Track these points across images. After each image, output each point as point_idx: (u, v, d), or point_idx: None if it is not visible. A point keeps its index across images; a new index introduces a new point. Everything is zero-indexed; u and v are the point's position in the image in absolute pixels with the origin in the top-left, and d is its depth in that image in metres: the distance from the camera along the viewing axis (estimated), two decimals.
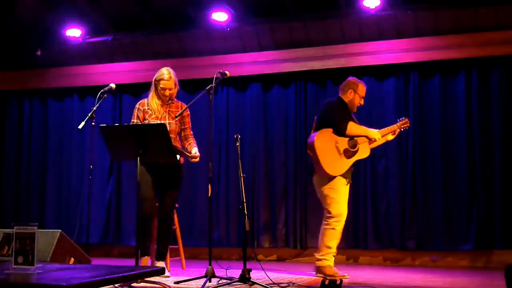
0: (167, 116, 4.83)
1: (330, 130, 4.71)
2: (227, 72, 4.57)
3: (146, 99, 4.86)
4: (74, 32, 7.05)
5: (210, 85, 4.46)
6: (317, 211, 6.55)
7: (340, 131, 4.71)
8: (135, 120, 4.78)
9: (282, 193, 6.69)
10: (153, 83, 4.84)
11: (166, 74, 4.82)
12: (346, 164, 4.73)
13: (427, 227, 6.18)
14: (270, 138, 6.81)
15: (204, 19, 6.65)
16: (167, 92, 4.80)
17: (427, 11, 6.18)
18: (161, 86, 4.78)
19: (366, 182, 6.38)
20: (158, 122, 4.73)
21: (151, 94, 4.84)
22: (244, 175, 4.35)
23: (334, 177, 4.71)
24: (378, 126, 6.42)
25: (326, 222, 4.86)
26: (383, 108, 6.48)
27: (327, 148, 4.68)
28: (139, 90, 7.30)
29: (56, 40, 7.23)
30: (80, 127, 4.69)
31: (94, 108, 4.68)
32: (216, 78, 4.50)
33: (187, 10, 6.67)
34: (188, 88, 7.08)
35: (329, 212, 4.82)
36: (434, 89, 6.34)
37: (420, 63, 6.33)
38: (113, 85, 4.86)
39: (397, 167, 6.33)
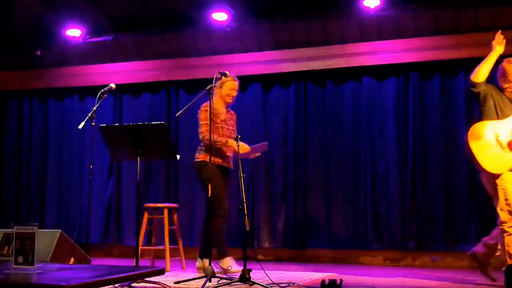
0: (230, 123, 5.06)
1: (488, 121, 4.24)
2: (227, 72, 4.59)
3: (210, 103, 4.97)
4: (74, 32, 7.05)
5: (210, 85, 4.48)
6: (317, 211, 6.58)
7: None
8: (208, 122, 4.80)
9: (282, 193, 6.68)
10: (218, 87, 5.00)
11: (234, 77, 5.05)
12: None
13: (427, 227, 6.18)
14: (270, 138, 6.80)
15: (204, 19, 6.65)
16: (234, 93, 5.04)
17: (427, 11, 6.18)
18: (230, 87, 4.99)
19: (366, 182, 6.38)
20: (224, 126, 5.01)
21: (216, 98, 4.99)
22: (244, 175, 4.35)
23: (499, 175, 4.14)
24: (378, 126, 6.47)
25: (501, 228, 4.15)
26: (383, 108, 6.47)
27: (485, 142, 4.15)
28: (139, 90, 7.32)
29: (56, 40, 7.23)
30: (80, 127, 4.69)
31: (94, 108, 4.68)
32: (216, 78, 4.52)
33: (187, 10, 6.66)
34: (188, 88, 7.08)
35: (499, 216, 4.15)
36: (434, 89, 6.33)
37: (420, 63, 6.32)
38: (113, 85, 4.87)
39: (397, 167, 6.32)
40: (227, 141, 4.85)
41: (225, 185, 5.03)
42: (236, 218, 6.70)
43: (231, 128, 5.08)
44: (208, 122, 4.80)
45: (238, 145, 4.49)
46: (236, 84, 5.08)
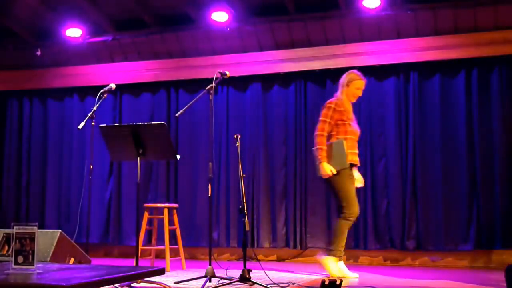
0: (355, 120, 4.99)
1: None
2: (227, 72, 4.58)
3: (337, 100, 4.92)
4: (74, 32, 7.05)
5: (210, 85, 4.48)
6: (317, 211, 6.58)
7: None
8: (328, 120, 4.82)
9: (282, 193, 6.68)
10: (344, 85, 4.95)
11: (361, 76, 4.98)
12: None
13: (427, 227, 6.17)
14: (270, 138, 6.81)
15: (204, 19, 6.65)
16: (360, 93, 4.98)
17: (427, 11, 6.18)
18: (357, 86, 4.93)
19: (366, 182, 6.35)
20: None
21: (343, 96, 4.94)
22: (244, 175, 4.35)
23: None
24: (378, 126, 6.47)
25: None
26: (383, 108, 6.47)
27: None
28: (139, 90, 7.32)
29: (56, 40, 7.22)
30: (80, 127, 4.70)
31: (94, 108, 4.68)
32: (216, 78, 4.52)
33: (187, 10, 6.66)
34: (188, 88, 7.09)
35: None
36: (434, 89, 6.33)
37: (420, 63, 6.32)
38: (113, 85, 4.87)
39: (397, 167, 6.32)
40: (321, 163, 4.79)
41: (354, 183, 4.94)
42: (236, 218, 6.71)
43: (356, 125, 4.99)
44: (327, 120, 4.83)
45: (238, 145, 4.48)
46: (364, 83, 5.00)
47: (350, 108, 4.97)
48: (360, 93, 5.02)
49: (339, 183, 4.83)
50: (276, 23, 6.62)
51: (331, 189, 4.96)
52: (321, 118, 4.89)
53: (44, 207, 7.47)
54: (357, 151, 4.96)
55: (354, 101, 5.05)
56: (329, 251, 4.88)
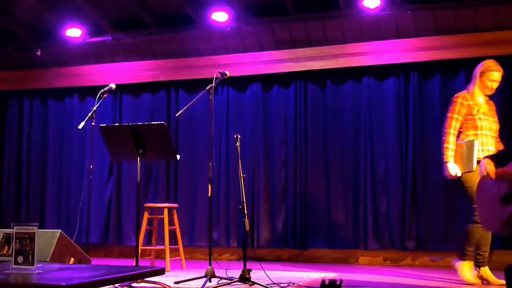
0: (490, 113, 4.60)
1: None
2: (227, 72, 4.58)
3: (466, 93, 4.59)
4: (74, 32, 7.05)
5: (210, 85, 4.48)
6: (317, 211, 6.58)
7: None
8: (455, 115, 4.51)
9: (282, 193, 6.69)
10: (477, 76, 4.59)
11: (497, 65, 4.58)
12: None
13: (427, 227, 6.18)
14: (270, 138, 6.81)
15: (204, 19, 6.65)
16: (495, 85, 4.58)
17: (426, 11, 6.18)
18: (491, 78, 4.54)
19: (366, 182, 6.38)
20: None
21: (474, 88, 4.58)
22: (244, 175, 4.36)
23: None
24: (378, 126, 6.47)
25: None
26: (383, 108, 6.48)
27: None
28: (139, 90, 7.32)
29: (56, 40, 7.23)
30: (80, 127, 4.70)
31: (94, 108, 4.68)
32: (216, 78, 4.52)
33: (187, 10, 6.67)
34: (188, 88, 7.09)
35: None
36: (434, 89, 6.34)
37: (420, 63, 6.32)
38: (113, 85, 4.87)
39: (397, 167, 6.32)
40: (446, 163, 4.45)
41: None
42: (236, 218, 6.71)
43: (491, 119, 4.58)
44: (454, 116, 4.48)
45: (238, 145, 4.48)
46: (500, 75, 4.55)
47: (481, 101, 4.55)
48: (495, 86, 4.58)
49: (467, 184, 4.42)
50: (276, 23, 6.62)
51: (461, 190, 4.57)
52: (448, 115, 4.54)
53: (44, 207, 7.47)
54: (491, 148, 4.50)
55: (489, 93, 4.61)
56: (461, 255, 4.52)
